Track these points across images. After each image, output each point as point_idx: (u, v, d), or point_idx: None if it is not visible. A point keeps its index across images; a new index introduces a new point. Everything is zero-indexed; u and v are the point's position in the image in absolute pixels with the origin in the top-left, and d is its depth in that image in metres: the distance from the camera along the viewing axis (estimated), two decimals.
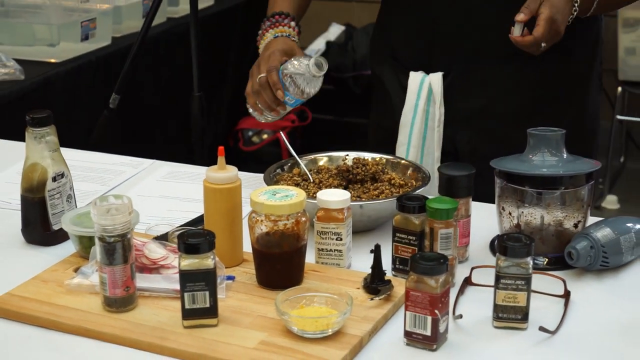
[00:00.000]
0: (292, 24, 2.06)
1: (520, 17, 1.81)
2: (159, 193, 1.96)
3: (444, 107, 2.05)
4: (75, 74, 3.00)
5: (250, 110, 2.01)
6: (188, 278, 1.38)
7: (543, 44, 1.82)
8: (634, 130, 4.54)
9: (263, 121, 2.04)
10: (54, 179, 1.69)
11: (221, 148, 1.56)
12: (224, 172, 1.56)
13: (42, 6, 3.12)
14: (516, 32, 1.81)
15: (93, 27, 3.12)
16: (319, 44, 4.62)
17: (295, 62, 1.89)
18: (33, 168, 1.69)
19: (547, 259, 1.61)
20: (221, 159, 1.56)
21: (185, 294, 1.38)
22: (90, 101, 2.97)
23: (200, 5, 3.43)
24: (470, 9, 1.99)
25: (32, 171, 1.69)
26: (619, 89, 4.04)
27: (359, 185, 1.82)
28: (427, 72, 2.06)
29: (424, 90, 2.06)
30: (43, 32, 3.07)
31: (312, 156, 1.93)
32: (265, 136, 4.33)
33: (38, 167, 1.69)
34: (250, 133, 4.32)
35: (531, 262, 1.40)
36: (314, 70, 1.87)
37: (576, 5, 1.85)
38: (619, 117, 4.13)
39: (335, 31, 4.70)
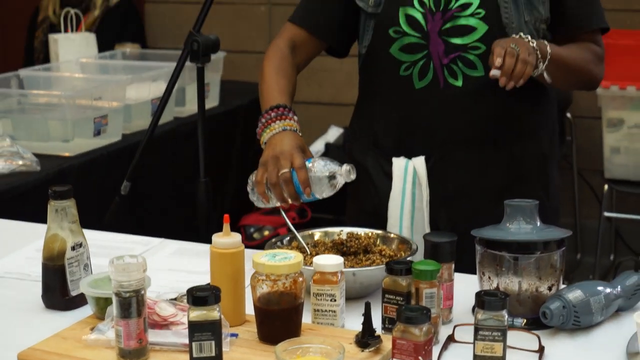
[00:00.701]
0: (295, 118, 2.17)
1: (497, 61, 2.01)
2: (168, 267, 2.12)
3: None
4: (87, 166, 3.19)
5: (254, 197, 2.11)
6: (196, 328, 1.52)
7: (521, 54, 2.01)
8: (622, 228, 4.69)
9: (262, 206, 2.15)
10: (73, 248, 1.85)
11: (226, 216, 1.72)
12: (228, 238, 1.72)
13: (57, 104, 3.32)
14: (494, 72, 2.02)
15: (105, 123, 3.31)
16: (318, 146, 4.81)
17: (322, 164, 2.01)
18: (54, 238, 1.85)
19: (525, 320, 1.76)
20: (226, 226, 1.72)
21: (193, 344, 1.53)
22: (101, 190, 3.14)
23: (206, 106, 3.63)
24: (446, 99, 2.19)
25: (52, 241, 1.85)
26: (606, 186, 4.21)
27: (353, 257, 1.98)
28: (408, 157, 2.24)
29: (409, 174, 2.24)
30: (57, 128, 3.26)
31: (309, 231, 2.09)
32: (266, 233, 4.49)
33: (58, 237, 1.84)
34: (252, 229, 4.48)
35: (506, 315, 1.55)
36: (346, 176, 2.00)
37: (534, 44, 2.07)
38: (606, 214, 4.29)
39: (334, 133, 4.90)
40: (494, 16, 2.17)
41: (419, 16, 2.20)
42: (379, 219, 2.26)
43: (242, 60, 5.18)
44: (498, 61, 2.00)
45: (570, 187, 4.68)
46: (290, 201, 2.04)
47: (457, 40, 2.18)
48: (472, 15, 2.17)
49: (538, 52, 2.08)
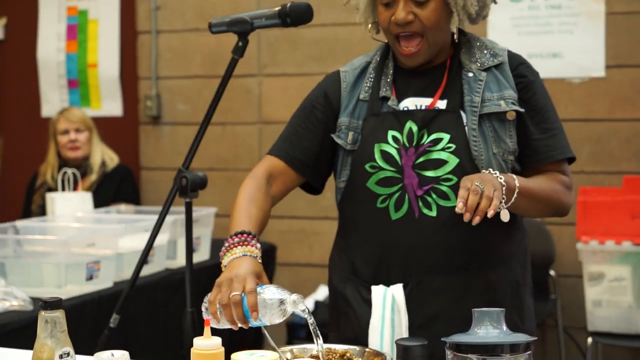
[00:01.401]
0: (258, 245, 2.24)
1: (460, 206, 2.13)
2: None
3: None
4: (79, 309, 3.27)
5: (207, 316, 2.14)
6: None
7: (485, 190, 2.13)
8: None
9: (215, 327, 2.14)
10: (61, 357, 1.92)
11: (207, 320, 1.81)
12: (209, 341, 1.80)
13: (51, 251, 3.42)
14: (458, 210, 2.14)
15: (97, 268, 3.41)
16: (308, 303, 4.89)
17: (273, 291, 2.07)
18: (42, 348, 1.92)
19: None
20: (207, 329, 1.81)
21: None
22: (92, 330, 3.21)
23: (196, 259, 3.75)
24: (422, 229, 2.32)
25: (41, 351, 1.92)
26: (589, 339, 4.27)
27: None
28: (387, 284, 2.34)
29: (387, 302, 2.33)
30: (51, 273, 3.35)
31: (289, 347, 2.16)
32: None
33: (46, 347, 1.92)
34: None
35: None
36: (292, 305, 2.05)
37: (501, 180, 2.20)
38: None
39: (323, 292, 5.00)
40: (464, 150, 2.32)
41: (393, 152, 2.35)
42: (358, 345, 2.33)
43: None
44: (459, 206, 2.13)
45: (556, 344, 4.73)
46: (239, 324, 2.09)
47: (430, 173, 2.32)
48: (443, 149, 2.32)
49: (505, 187, 2.21)
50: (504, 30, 4.91)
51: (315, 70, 5.26)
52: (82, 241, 3.43)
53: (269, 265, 4.60)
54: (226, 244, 2.24)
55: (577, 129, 4.76)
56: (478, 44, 2.44)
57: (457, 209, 2.14)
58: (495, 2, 2.46)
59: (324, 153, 2.48)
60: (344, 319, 2.44)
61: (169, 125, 5.56)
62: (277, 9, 2.43)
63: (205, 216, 4.13)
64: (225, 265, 2.20)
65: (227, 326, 2.13)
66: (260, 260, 2.21)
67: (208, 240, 4.25)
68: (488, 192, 2.15)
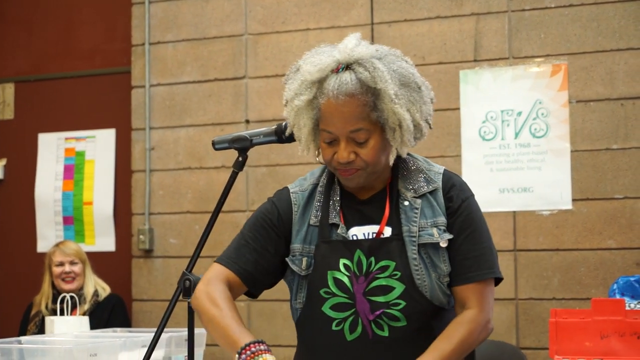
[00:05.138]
0: (270, 351, 2.36)
1: None
2: None
3: None
4: None
5: None
6: None
7: None
8: None
9: None
10: None
11: None
12: None
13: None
14: None
15: None
16: None
17: None
18: None
19: None
20: None
21: None
22: None
23: None
24: (376, 347, 2.49)
25: None
26: None
27: None
28: None
29: None
30: None
31: None
32: None
33: None
34: None
35: None
36: None
37: None
38: None
39: None
40: (408, 277, 2.50)
41: (345, 279, 2.52)
42: None
43: None
44: None
45: None
46: None
47: (380, 299, 2.50)
48: (390, 276, 2.50)
49: None
50: (477, 167, 5.22)
51: None
52: (85, 350, 3.61)
53: None
54: (251, 350, 2.36)
55: (548, 258, 5.04)
56: (413, 167, 2.60)
57: None
58: (431, 127, 2.56)
59: (273, 270, 2.63)
60: None
61: (160, 258, 5.80)
62: (273, 127, 2.71)
63: (198, 336, 4.32)
64: None
65: None
66: None
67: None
68: None
